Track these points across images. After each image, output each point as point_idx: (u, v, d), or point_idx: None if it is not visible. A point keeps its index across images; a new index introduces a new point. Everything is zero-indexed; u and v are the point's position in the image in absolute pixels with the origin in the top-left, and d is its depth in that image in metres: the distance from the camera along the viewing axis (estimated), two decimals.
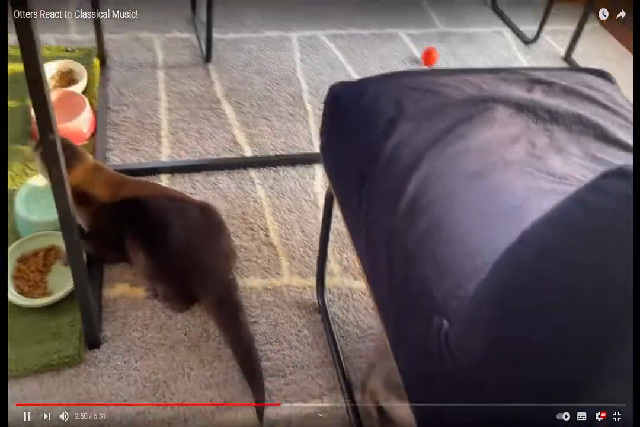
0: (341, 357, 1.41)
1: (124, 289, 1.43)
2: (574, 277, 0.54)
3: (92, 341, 1.28)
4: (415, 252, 0.74)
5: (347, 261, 1.64)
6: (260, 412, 1.26)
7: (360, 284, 1.59)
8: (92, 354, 1.29)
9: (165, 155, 1.76)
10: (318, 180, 1.79)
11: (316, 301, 1.49)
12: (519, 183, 0.80)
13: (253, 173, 1.75)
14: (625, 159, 0.92)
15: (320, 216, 1.63)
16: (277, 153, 1.79)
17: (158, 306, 1.39)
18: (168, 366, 1.28)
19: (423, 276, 0.72)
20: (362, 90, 1.00)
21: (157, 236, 1.32)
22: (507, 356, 0.62)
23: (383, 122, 0.91)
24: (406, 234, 0.77)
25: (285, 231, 1.63)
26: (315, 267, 1.54)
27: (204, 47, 2.15)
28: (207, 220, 1.42)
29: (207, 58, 2.12)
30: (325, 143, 1.12)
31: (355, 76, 2.21)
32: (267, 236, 1.58)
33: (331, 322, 1.46)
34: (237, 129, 1.87)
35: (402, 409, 1.21)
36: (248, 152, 1.79)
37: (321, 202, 1.70)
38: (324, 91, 2.10)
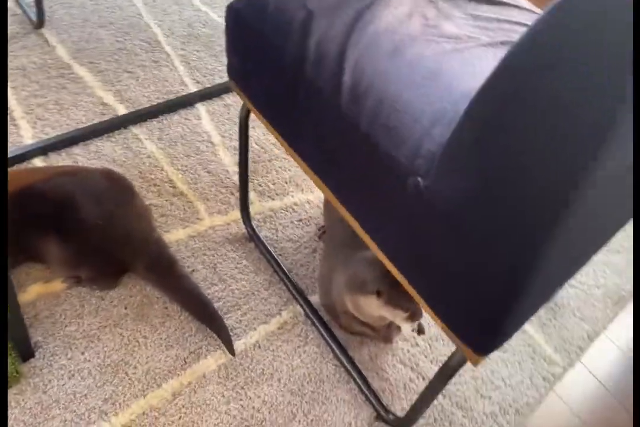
0: (286, 271, 1.45)
1: (39, 289, 1.32)
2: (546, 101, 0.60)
3: (25, 352, 1.18)
4: (369, 133, 0.81)
5: (260, 185, 1.64)
6: (230, 347, 1.28)
7: (280, 202, 1.62)
8: (30, 365, 1.20)
9: (29, 137, 1.60)
10: (205, 118, 1.74)
11: (245, 231, 1.46)
12: (428, 51, 0.88)
13: (135, 130, 1.65)
14: (495, 11, 1.07)
15: (221, 152, 1.58)
16: (153, 103, 1.70)
17: (84, 292, 1.31)
18: (119, 344, 1.24)
19: (384, 150, 0.80)
20: (263, 2, 0.99)
21: (65, 218, 1.22)
22: (488, 192, 0.69)
23: (297, 26, 0.93)
24: (357, 120, 0.83)
25: (190, 176, 1.58)
26: (232, 201, 1.54)
27: (30, 12, 1.95)
28: (113, 185, 1.34)
29: (39, 23, 1.92)
30: (236, 67, 1.10)
31: (204, 9, 2.08)
32: (173, 187, 1.52)
33: (266, 244, 1.48)
34: (100, 90, 1.75)
35: (371, 305, 1.23)
36: (122, 110, 1.69)
37: (216, 139, 1.65)
38: (178, 30, 1.99)
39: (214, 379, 1.23)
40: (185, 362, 1.22)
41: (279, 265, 1.46)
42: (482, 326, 0.78)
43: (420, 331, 1.38)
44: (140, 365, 1.18)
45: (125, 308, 1.26)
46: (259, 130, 1.71)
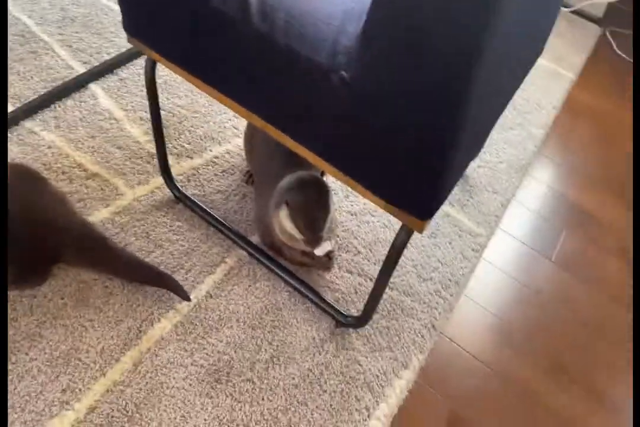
0: (221, 220, 1.47)
1: None
2: None
3: None
4: (287, 44, 0.85)
5: (176, 148, 1.63)
6: (184, 295, 1.31)
7: (200, 160, 1.63)
8: None
9: None
10: (101, 97, 1.70)
11: (171, 195, 1.44)
12: None
13: (28, 124, 1.59)
14: None
15: (127, 126, 1.57)
16: (41, 93, 1.65)
17: (13, 294, 1.25)
18: (64, 334, 1.21)
19: (305, 57, 0.84)
20: None
21: None
22: (405, 61, 0.76)
23: None
24: (272, 36, 0.86)
25: (99, 156, 1.56)
26: (151, 170, 1.55)
27: None
28: (21, 177, 1.29)
29: None
30: (133, 18, 1.10)
31: None
32: (84, 170, 1.50)
33: (195, 201, 1.49)
34: None
35: (284, 219, 1.27)
36: (9, 108, 1.62)
37: (118, 114, 1.63)
38: (51, 16, 1.92)
39: (173, 338, 1.25)
40: (139, 331, 1.24)
41: (212, 217, 1.48)
42: (423, 190, 0.87)
43: (327, 266, 1.41)
44: (92, 347, 1.18)
45: (62, 298, 1.24)
46: (162, 95, 1.67)
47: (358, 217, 1.61)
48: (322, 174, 1.48)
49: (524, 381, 1.38)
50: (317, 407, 1.21)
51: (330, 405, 1.22)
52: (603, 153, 1.89)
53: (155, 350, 1.20)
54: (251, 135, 1.45)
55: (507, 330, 1.43)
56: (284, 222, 1.25)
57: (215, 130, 1.69)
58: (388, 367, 1.32)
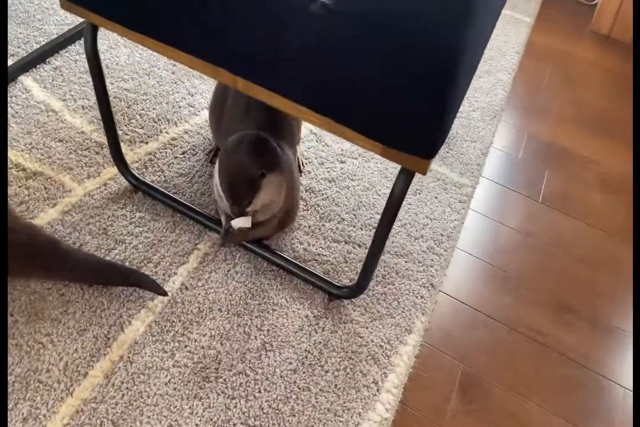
0: (187, 205, 1.31)
1: None
2: None
3: None
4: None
5: (127, 134, 1.46)
6: (159, 290, 1.15)
7: (156, 143, 1.45)
8: None
9: None
10: (34, 89, 1.50)
11: (127, 185, 1.24)
12: None
13: None
14: None
15: (68, 116, 1.40)
16: None
17: None
18: (18, 355, 1.02)
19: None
20: None
21: None
22: None
23: None
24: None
25: (39, 152, 1.36)
26: (101, 160, 1.37)
27: None
28: None
29: None
30: None
31: None
32: (22, 170, 1.32)
33: (156, 188, 1.32)
34: None
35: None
36: None
37: (55, 105, 1.45)
38: None
39: (148, 340, 1.09)
40: (107, 338, 1.07)
41: (177, 202, 1.30)
42: (427, 124, 0.76)
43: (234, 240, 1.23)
44: (54, 365, 1.01)
45: (11, 315, 1.05)
46: (106, 81, 1.43)
47: (337, 183, 1.46)
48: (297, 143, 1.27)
49: (530, 326, 1.27)
50: (320, 390, 1.04)
51: (335, 385, 1.05)
52: (570, 92, 1.91)
53: (129, 357, 1.01)
54: (219, 102, 1.29)
55: (505, 277, 1.36)
56: (215, 176, 1.11)
57: (169, 111, 1.51)
58: (391, 335, 1.18)
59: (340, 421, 1.02)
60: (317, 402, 1.05)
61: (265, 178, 1.07)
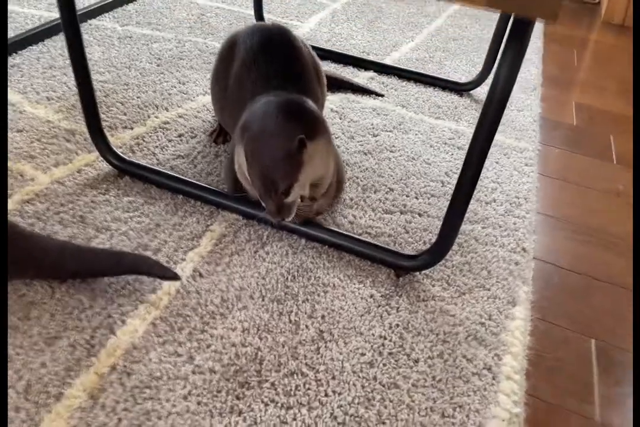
0: (194, 183, 1.04)
1: None
2: None
3: None
4: None
5: (106, 120, 1.21)
6: (170, 274, 0.83)
7: (144, 128, 1.21)
8: None
9: None
10: None
11: (108, 169, 0.99)
12: None
13: None
14: None
15: (28, 108, 1.23)
16: None
17: None
18: None
19: None
20: None
21: None
22: None
23: None
24: None
25: (9, 149, 1.08)
26: (72, 147, 1.13)
27: None
28: None
29: None
30: None
31: None
32: None
33: (151, 168, 1.06)
34: None
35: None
36: None
37: (13, 98, 1.29)
38: None
39: (153, 343, 0.77)
40: (90, 346, 0.77)
41: (180, 180, 1.03)
42: None
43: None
44: (10, 388, 0.70)
45: None
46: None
47: (373, 155, 1.22)
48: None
49: None
50: (413, 385, 0.73)
51: (433, 377, 0.76)
52: (603, 68, 1.85)
53: (125, 366, 0.70)
54: (223, 69, 1.07)
55: (605, 240, 1.10)
56: (240, 160, 0.86)
57: (157, 98, 1.31)
58: (491, 309, 0.89)
59: (452, 424, 0.68)
60: (412, 401, 0.70)
61: (307, 148, 0.82)
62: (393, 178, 1.14)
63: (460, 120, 1.38)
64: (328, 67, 1.49)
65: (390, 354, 0.78)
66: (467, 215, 1.05)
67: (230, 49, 1.05)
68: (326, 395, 0.72)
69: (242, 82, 0.99)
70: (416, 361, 0.77)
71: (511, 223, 1.06)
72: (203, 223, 0.96)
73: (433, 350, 0.79)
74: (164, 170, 1.04)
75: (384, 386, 0.73)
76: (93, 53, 1.42)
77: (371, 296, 0.87)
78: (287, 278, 0.87)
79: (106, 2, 1.64)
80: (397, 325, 0.82)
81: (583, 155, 1.35)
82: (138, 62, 1.41)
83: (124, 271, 0.81)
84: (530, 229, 1.05)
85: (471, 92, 1.51)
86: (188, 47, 1.52)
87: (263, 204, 0.83)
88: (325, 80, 1.13)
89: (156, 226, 0.94)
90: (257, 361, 0.74)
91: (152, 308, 0.79)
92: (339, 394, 0.72)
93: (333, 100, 1.37)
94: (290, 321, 0.81)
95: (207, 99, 1.26)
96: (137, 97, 1.27)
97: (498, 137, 1.33)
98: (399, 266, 0.91)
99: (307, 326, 0.80)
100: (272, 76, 0.93)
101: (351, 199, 1.06)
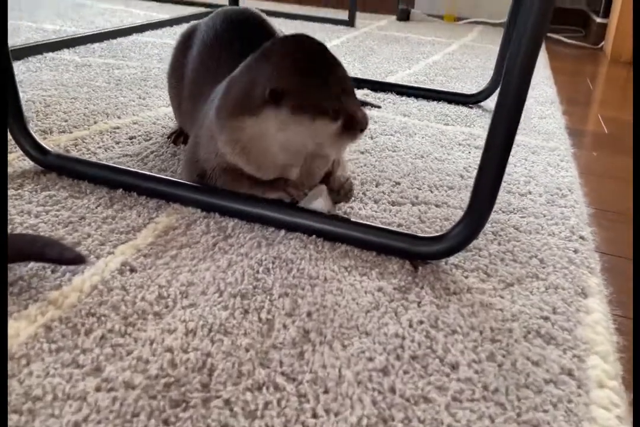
0: (144, 174, 0.86)
1: None
2: None
3: None
4: None
5: (40, 126, 1.03)
6: (70, 256, 0.59)
7: (84, 131, 1.02)
8: None
9: None
10: None
11: (27, 166, 0.84)
12: None
13: None
14: None
15: None
16: None
17: None
18: None
19: None
20: None
21: None
22: None
23: None
24: None
25: None
26: None
27: None
28: None
29: None
30: None
31: None
32: None
33: (91, 162, 0.86)
34: None
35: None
36: None
37: None
38: None
39: (41, 349, 0.51)
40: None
41: (122, 171, 0.81)
42: None
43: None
44: None
45: None
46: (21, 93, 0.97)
47: (372, 154, 1.02)
48: None
49: None
50: (455, 398, 0.51)
51: (485, 387, 0.52)
52: (620, 90, 1.70)
53: None
54: (181, 57, 0.90)
55: None
56: (270, 131, 0.66)
57: (110, 108, 1.13)
58: (553, 301, 0.64)
59: None
60: (456, 420, 0.44)
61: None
62: (399, 173, 0.91)
63: (474, 125, 1.17)
64: None
65: (413, 358, 0.50)
66: (497, 205, 0.84)
67: (188, 36, 0.89)
68: (315, 415, 0.43)
69: (203, 66, 0.83)
70: (454, 366, 0.49)
71: (558, 213, 0.83)
72: (146, 216, 0.71)
73: (478, 351, 0.51)
74: (99, 162, 0.81)
75: (407, 400, 0.45)
76: (42, 76, 1.24)
77: (380, 289, 0.60)
78: (257, 271, 0.61)
79: (68, 37, 1.50)
80: (421, 322, 0.55)
81: (624, 156, 1.14)
82: (94, 82, 1.23)
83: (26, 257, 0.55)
84: (583, 219, 0.80)
85: (481, 104, 1.30)
86: (155, 72, 1.37)
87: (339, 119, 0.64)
88: None
89: (80, 219, 0.70)
90: (204, 371, 0.46)
91: (49, 307, 0.53)
92: (337, 413, 0.43)
93: None
94: (259, 320, 0.53)
95: (170, 109, 1.05)
96: (85, 108, 1.08)
97: (522, 138, 1.15)
98: (417, 254, 0.64)
99: (284, 326, 0.52)
100: (241, 56, 0.71)
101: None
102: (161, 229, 0.70)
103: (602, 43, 2.28)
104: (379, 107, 1.26)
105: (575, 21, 2.56)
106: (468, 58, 1.85)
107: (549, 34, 2.44)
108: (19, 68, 1.31)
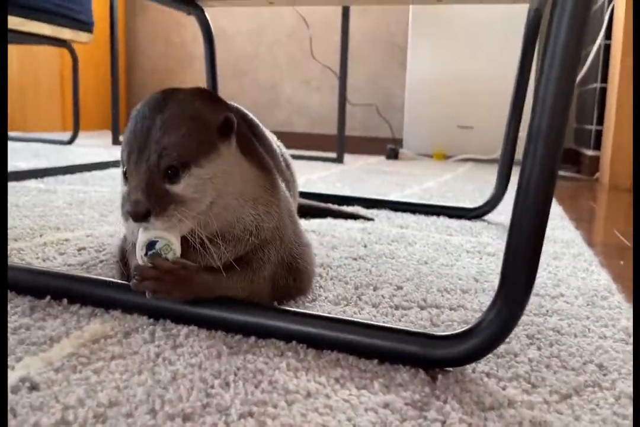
0: (57, 272, 0.85)
1: None
2: None
3: None
4: None
5: None
6: None
7: (20, 244, 0.92)
8: None
9: None
10: None
11: None
12: None
13: None
14: None
15: None
16: None
17: None
18: None
19: None
20: None
21: None
22: None
23: None
24: None
25: None
26: None
27: None
28: None
29: None
30: None
31: None
32: None
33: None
34: None
35: None
36: None
37: None
38: None
39: None
40: None
41: (56, 276, 0.65)
42: None
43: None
44: None
45: None
46: None
47: (367, 260, 0.87)
48: None
49: None
50: None
51: None
52: (619, 209, 1.61)
53: None
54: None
55: None
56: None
57: (62, 223, 1.01)
58: (630, 414, 0.44)
59: None
60: None
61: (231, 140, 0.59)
62: (400, 278, 0.77)
63: (481, 235, 1.03)
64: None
65: None
66: (528, 307, 0.65)
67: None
68: None
69: None
70: None
71: (603, 314, 0.69)
72: (72, 325, 0.55)
73: None
74: (21, 265, 0.67)
75: None
76: None
77: (386, 405, 0.43)
78: (210, 384, 0.44)
79: (36, 168, 1.42)
80: None
81: None
82: (53, 203, 1.12)
83: None
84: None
85: (485, 217, 1.19)
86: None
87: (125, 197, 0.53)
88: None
89: None
90: None
91: None
92: None
93: (306, 223, 1.09)
94: None
95: None
96: (34, 224, 0.94)
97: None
98: (434, 359, 0.47)
99: None
100: None
101: (337, 296, 0.66)
102: (88, 337, 0.53)
103: (597, 174, 2.23)
104: (372, 219, 1.14)
105: (566, 159, 2.56)
106: (462, 184, 1.79)
107: None
108: None
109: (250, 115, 0.82)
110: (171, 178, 0.53)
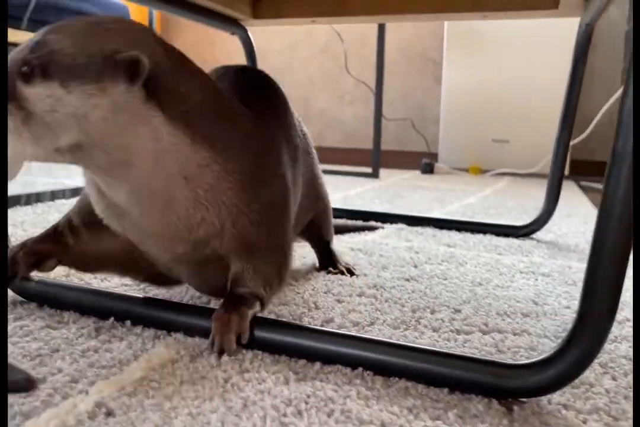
0: (120, 294, 0.66)
1: None
2: None
3: None
4: None
5: None
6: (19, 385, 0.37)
7: None
8: None
9: None
10: None
11: (17, 299, 0.57)
12: None
13: None
14: None
15: None
16: None
17: None
18: None
19: None
20: None
21: None
22: None
23: None
24: None
25: None
26: None
27: None
28: None
29: None
30: None
31: None
32: None
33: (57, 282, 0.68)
34: None
35: None
36: None
37: None
38: None
39: None
40: None
41: (119, 298, 0.66)
42: None
43: None
44: None
45: None
46: None
47: (419, 281, 0.86)
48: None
49: None
50: None
51: None
52: None
53: None
54: None
55: None
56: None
57: None
58: None
59: None
60: None
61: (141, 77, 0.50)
62: (456, 300, 0.76)
63: (532, 255, 1.02)
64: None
65: None
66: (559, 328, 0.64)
67: None
68: None
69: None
70: None
71: None
72: (138, 347, 0.54)
73: None
74: (85, 286, 0.68)
75: None
76: (48, 217, 1.19)
77: None
78: (283, 413, 0.43)
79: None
80: None
81: None
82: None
83: None
84: None
85: (532, 236, 1.17)
86: None
87: None
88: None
89: (52, 351, 0.54)
90: None
91: None
92: None
93: (351, 242, 1.09)
94: None
95: None
96: None
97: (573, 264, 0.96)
98: (509, 389, 0.46)
99: None
100: None
101: (395, 319, 0.65)
102: (156, 362, 0.53)
103: None
104: (382, 227, 1.19)
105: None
106: (503, 200, 1.76)
107: (591, 184, 2.36)
108: (26, 211, 1.22)
109: (278, 86, 0.79)
110: (24, 75, 0.45)
